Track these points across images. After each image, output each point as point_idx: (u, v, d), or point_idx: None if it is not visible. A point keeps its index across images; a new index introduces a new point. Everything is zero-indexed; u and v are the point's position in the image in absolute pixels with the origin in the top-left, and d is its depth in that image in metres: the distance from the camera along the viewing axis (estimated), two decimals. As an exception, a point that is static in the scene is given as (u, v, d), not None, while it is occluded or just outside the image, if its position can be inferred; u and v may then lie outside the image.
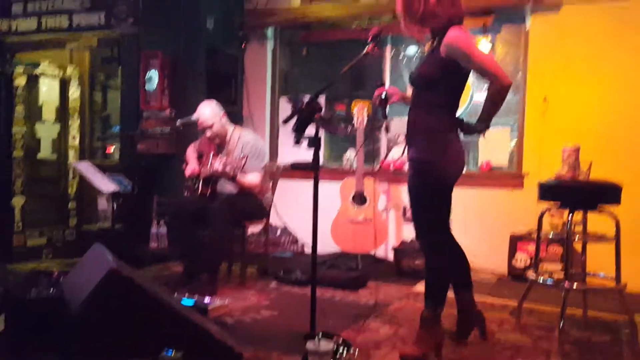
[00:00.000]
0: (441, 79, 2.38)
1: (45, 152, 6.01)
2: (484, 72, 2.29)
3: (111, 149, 6.39)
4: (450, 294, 2.57)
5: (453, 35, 2.30)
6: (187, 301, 2.97)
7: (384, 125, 2.67)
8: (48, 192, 6.06)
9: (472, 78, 4.50)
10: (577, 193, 2.82)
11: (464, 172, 2.52)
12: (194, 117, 3.77)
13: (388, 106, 2.69)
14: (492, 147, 4.59)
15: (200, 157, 3.92)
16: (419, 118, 2.46)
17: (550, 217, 4.09)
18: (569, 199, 2.85)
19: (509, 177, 4.50)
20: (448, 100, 2.42)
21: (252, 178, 3.67)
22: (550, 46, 4.33)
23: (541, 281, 2.96)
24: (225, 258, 3.88)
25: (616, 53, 4.12)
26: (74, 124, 6.09)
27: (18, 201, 5.71)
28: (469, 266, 2.66)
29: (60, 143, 6.09)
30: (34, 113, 5.87)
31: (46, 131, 5.99)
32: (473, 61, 2.29)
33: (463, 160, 2.48)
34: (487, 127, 2.40)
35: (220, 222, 3.47)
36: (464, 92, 2.50)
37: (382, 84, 2.69)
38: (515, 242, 4.23)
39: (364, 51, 2.43)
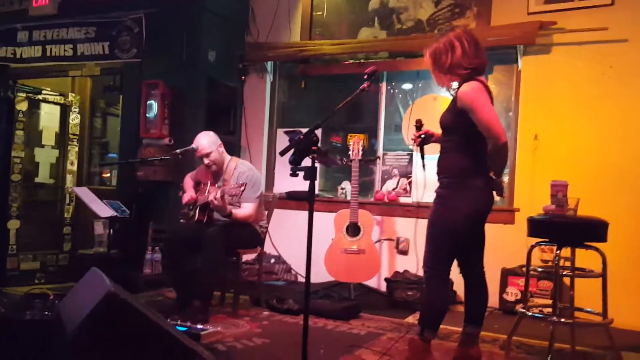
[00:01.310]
0: (458, 126, 2.60)
1: (43, 176, 6.06)
2: (484, 129, 2.49)
3: (107, 173, 6.46)
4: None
5: (464, 89, 2.52)
6: (180, 328, 3.00)
7: (421, 164, 2.83)
8: (43, 216, 6.08)
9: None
10: (565, 230, 2.88)
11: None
12: (193, 146, 3.85)
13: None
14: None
15: (197, 185, 3.99)
16: (442, 160, 2.69)
17: (541, 252, 4.15)
18: (556, 235, 2.91)
19: (500, 212, 4.57)
20: (465, 145, 2.58)
21: (245, 211, 3.73)
22: (540, 85, 4.46)
23: (530, 315, 3.00)
24: (219, 285, 3.90)
25: (605, 92, 4.25)
26: (73, 150, 6.17)
27: (13, 224, 5.73)
28: (486, 305, 2.84)
29: (58, 168, 6.14)
30: (34, 138, 5.94)
31: (45, 156, 6.04)
32: (477, 117, 2.50)
33: (481, 203, 2.61)
34: (499, 180, 2.60)
35: (215, 249, 3.51)
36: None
37: (422, 125, 2.84)
38: (506, 276, 4.28)
39: (360, 88, 2.53)
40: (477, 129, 2.52)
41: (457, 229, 2.58)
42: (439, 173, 2.71)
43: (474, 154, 2.58)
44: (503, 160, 2.57)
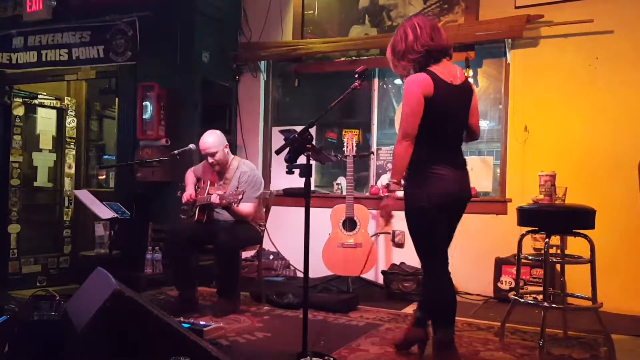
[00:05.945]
0: None
1: (42, 180, 6.11)
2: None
3: (102, 175, 6.52)
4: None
5: (407, 80, 2.57)
6: (184, 324, 3.08)
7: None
8: (43, 219, 6.14)
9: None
10: (553, 218, 2.97)
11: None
12: (190, 146, 3.93)
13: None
14: (476, 174, 4.77)
15: (197, 181, 4.07)
16: None
17: (534, 241, 4.24)
18: (545, 223, 3.00)
19: (493, 203, 4.66)
20: (420, 134, 2.56)
21: (245, 207, 3.79)
22: (529, 78, 4.55)
23: (522, 301, 3.09)
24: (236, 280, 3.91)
25: (592, 83, 4.34)
26: (70, 153, 6.22)
27: (14, 228, 5.78)
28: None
29: (57, 171, 6.19)
30: (31, 142, 5.99)
31: (43, 160, 6.08)
32: (401, 109, 2.57)
33: (440, 190, 2.57)
34: (396, 183, 2.59)
35: (229, 248, 3.64)
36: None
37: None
38: (500, 265, 4.37)
39: (351, 87, 2.61)
40: (428, 118, 2.53)
41: (424, 211, 2.59)
42: None
43: (430, 144, 2.58)
44: (395, 158, 2.58)
